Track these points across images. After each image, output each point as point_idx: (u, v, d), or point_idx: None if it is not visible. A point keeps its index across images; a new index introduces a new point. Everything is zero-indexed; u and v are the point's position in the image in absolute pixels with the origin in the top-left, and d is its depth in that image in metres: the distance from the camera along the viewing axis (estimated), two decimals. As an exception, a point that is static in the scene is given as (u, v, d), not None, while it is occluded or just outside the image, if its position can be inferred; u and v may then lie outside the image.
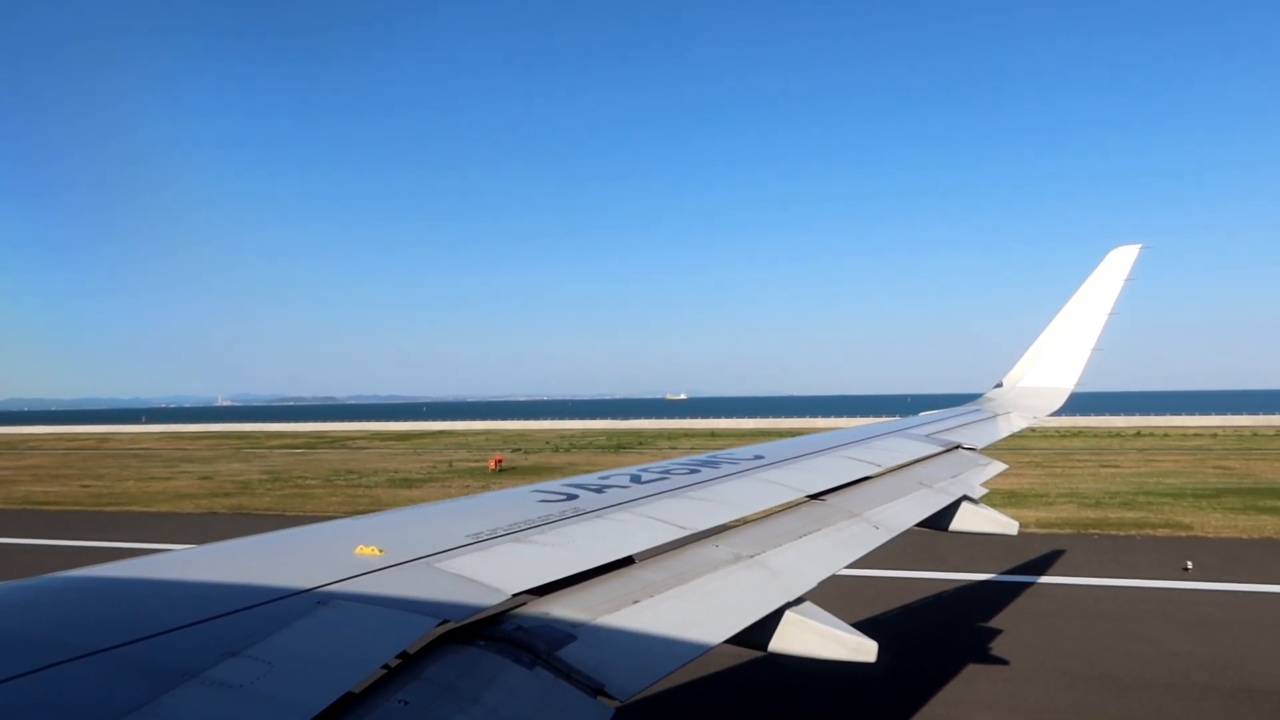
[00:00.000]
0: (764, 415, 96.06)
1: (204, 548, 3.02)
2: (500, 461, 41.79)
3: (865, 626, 3.49)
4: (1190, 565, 17.13)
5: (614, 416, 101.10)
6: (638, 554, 3.52)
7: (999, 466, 7.10)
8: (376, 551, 2.93)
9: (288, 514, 27.40)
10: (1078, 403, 10.48)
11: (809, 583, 3.71)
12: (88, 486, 36.49)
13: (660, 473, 4.99)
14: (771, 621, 3.38)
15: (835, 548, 4.28)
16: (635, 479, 4.73)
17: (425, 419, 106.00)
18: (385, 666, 2.32)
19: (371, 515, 3.74)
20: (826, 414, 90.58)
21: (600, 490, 4.34)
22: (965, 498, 5.85)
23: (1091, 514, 23.91)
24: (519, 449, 53.82)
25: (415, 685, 2.29)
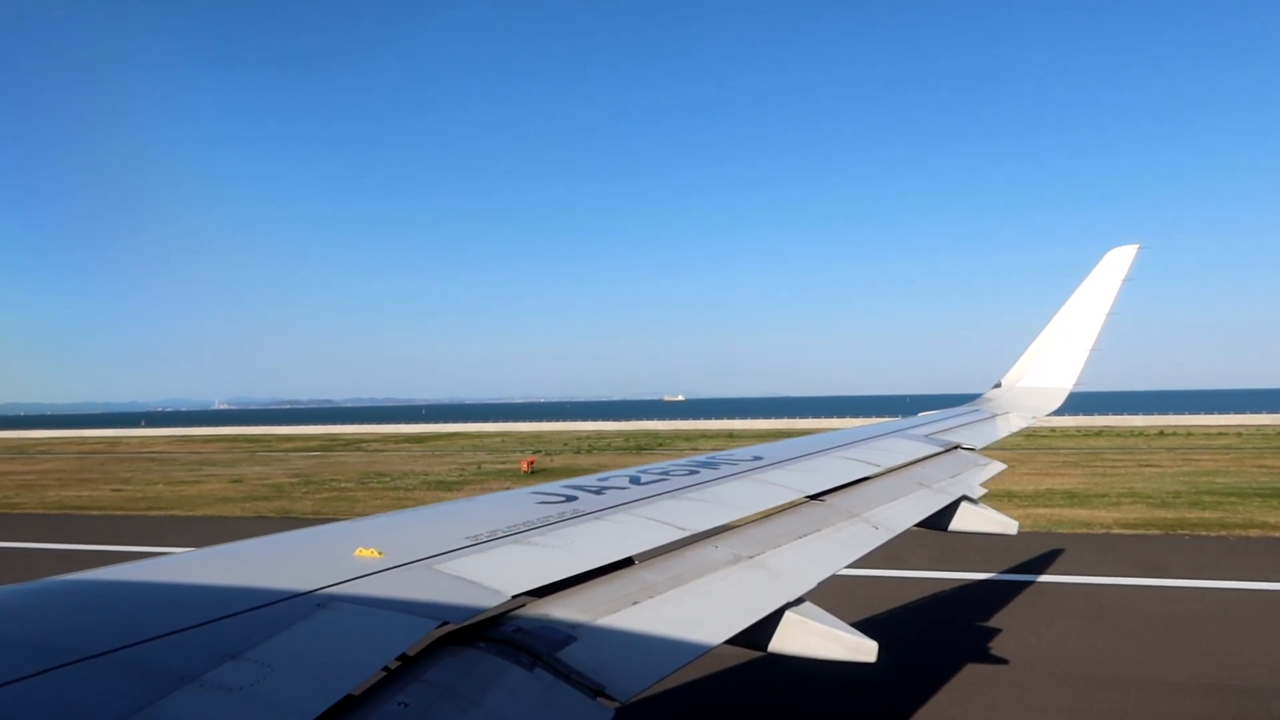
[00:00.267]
0: (764, 416, 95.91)
1: (203, 550, 3.00)
2: (533, 463, 41.12)
3: (865, 626, 3.47)
4: None
5: (614, 418, 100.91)
6: (637, 555, 3.51)
7: (998, 466, 7.10)
8: (376, 554, 2.92)
9: (339, 517, 27.03)
10: (1077, 403, 10.44)
11: (809, 583, 3.70)
12: (119, 490, 36.07)
13: (659, 474, 4.98)
14: (771, 622, 3.37)
15: (835, 548, 4.27)
16: (634, 480, 4.72)
17: (426, 421, 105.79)
18: (385, 669, 2.31)
19: (371, 517, 3.72)
20: (825, 414, 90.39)
21: (599, 491, 4.33)
22: (965, 498, 5.85)
23: (1166, 514, 22.89)
24: (538, 450, 53.01)
25: (415, 687, 2.28)
